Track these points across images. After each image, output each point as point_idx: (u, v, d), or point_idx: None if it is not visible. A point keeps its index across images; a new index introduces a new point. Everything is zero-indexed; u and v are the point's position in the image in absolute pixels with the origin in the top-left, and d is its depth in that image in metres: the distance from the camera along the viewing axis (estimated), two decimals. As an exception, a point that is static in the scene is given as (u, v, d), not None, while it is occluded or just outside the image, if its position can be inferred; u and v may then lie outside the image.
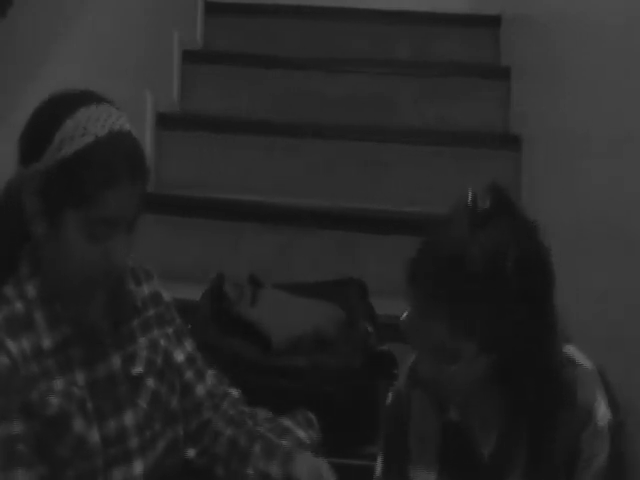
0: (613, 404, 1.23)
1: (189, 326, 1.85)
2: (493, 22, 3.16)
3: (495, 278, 1.08)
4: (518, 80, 2.77)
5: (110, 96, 1.29)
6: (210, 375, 1.43)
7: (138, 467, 1.26)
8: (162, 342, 1.35)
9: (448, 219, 1.15)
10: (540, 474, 1.22)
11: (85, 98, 1.19)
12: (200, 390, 1.39)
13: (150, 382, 1.30)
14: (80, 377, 1.22)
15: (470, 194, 1.13)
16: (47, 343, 1.19)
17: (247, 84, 2.99)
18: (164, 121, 2.76)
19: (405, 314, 1.19)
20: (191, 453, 1.38)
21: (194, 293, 1.94)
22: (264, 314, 1.87)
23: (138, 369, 1.29)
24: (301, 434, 1.41)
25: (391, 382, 1.93)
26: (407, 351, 1.88)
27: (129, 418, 1.26)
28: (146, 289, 1.36)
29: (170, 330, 1.38)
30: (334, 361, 1.81)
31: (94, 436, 1.21)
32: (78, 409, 1.20)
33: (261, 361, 1.80)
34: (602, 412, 1.20)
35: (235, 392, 1.46)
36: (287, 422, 1.43)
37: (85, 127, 1.14)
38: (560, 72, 2.06)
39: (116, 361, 1.27)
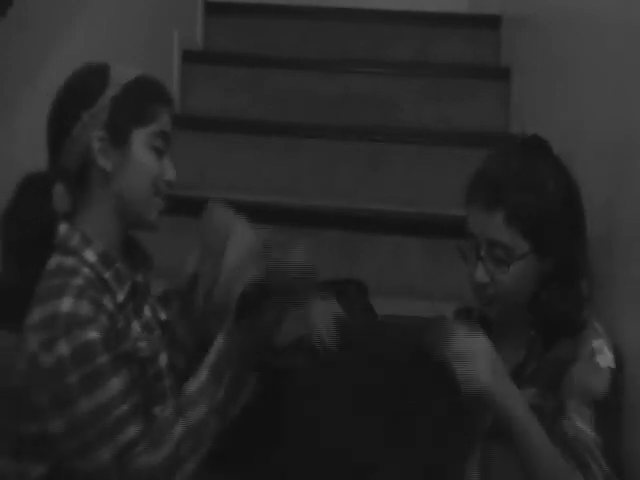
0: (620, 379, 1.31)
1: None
2: (493, 22, 3.16)
3: (544, 189, 1.31)
4: (518, 80, 2.76)
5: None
6: None
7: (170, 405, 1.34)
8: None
9: (503, 147, 1.42)
10: (530, 378, 1.34)
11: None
12: None
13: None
14: (136, 326, 1.36)
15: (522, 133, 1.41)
16: (121, 298, 1.34)
17: (247, 84, 2.99)
18: (164, 121, 2.75)
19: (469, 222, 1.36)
20: None
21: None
22: None
23: (164, 315, 1.48)
24: None
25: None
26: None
27: (163, 360, 1.40)
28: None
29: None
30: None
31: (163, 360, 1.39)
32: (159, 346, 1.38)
33: (260, 360, 1.79)
34: (605, 358, 1.29)
35: None
36: None
37: (129, 69, 1.39)
38: (560, 72, 2.06)
39: (147, 310, 1.43)
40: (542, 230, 1.30)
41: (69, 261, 1.30)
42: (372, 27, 3.23)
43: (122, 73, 1.37)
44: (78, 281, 1.27)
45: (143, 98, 1.36)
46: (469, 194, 1.37)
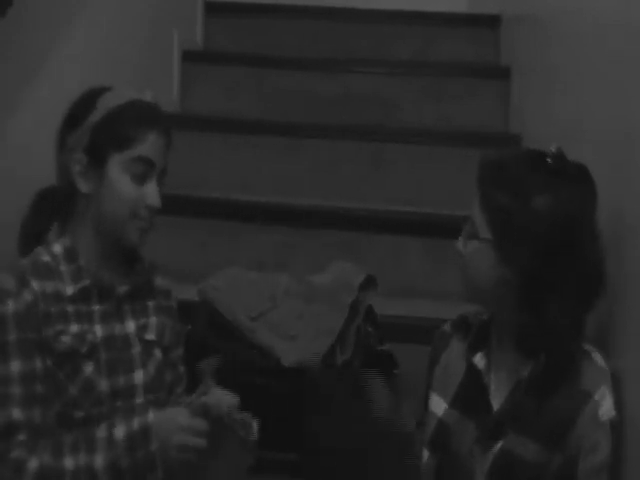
0: (619, 407, 1.28)
1: (189, 326, 1.86)
2: (493, 22, 3.16)
3: (527, 199, 1.29)
4: (518, 80, 2.76)
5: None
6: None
7: (137, 423, 1.36)
8: (167, 330, 1.52)
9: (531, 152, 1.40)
10: (530, 430, 1.31)
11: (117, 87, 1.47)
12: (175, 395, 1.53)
13: (158, 353, 1.48)
14: (98, 329, 1.40)
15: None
16: (69, 291, 1.39)
17: (247, 84, 2.99)
18: (164, 121, 2.75)
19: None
20: None
21: (194, 293, 1.94)
22: (265, 334, 1.84)
23: (151, 335, 1.47)
24: None
25: (391, 382, 1.94)
26: (407, 351, 1.89)
27: (139, 377, 1.43)
28: (159, 282, 1.56)
29: (173, 327, 1.54)
30: (337, 359, 1.81)
31: (102, 385, 1.38)
32: (90, 354, 1.38)
33: (261, 361, 1.79)
34: (606, 406, 1.27)
35: None
36: None
37: (122, 94, 1.43)
38: (560, 71, 2.06)
39: (130, 325, 1.46)
40: (505, 230, 1.30)
41: (39, 249, 1.42)
42: (372, 27, 3.23)
43: (112, 98, 1.41)
44: (24, 262, 1.38)
45: (123, 123, 1.39)
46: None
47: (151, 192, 1.41)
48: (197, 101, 3.00)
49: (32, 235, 1.45)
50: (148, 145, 1.40)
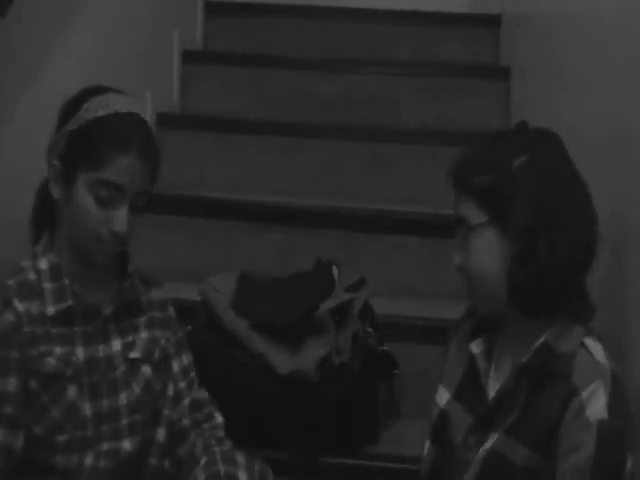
0: (620, 413, 1.21)
1: (189, 327, 1.86)
2: (493, 22, 3.15)
3: (500, 166, 1.29)
4: (518, 80, 2.76)
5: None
6: (199, 391, 1.52)
7: (127, 444, 1.39)
8: (162, 342, 1.47)
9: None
10: (519, 433, 1.27)
11: (112, 89, 1.41)
12: (186, 402, 1.49)
13: (146, 369, 1.43)
14: (80, 352, 1.35)
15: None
16: (51, 311, 1.33)
17: (247, 84, 2.99)
18: (164, 121, 2.75)
19: None
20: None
21: (194, 293, 1.94)
22: (262, 342, 1.84)
23: (135, 354, 1.42)
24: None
25: (391, 382, 1.95)
26: (407, 351, 1.89)
27: (123, 399, 1.39)
28: (155, 295, 1.49)
29: (172, 337, 1.49)
30: (334, 361, 1.81)
31: (86, 408, 1.34)
32: (74, 377, 1.33)
33: (257, 366, 1.79)
34: (597, 407, 1.20)
35: (219, 417, 1.52)
36: (239, 469, 1.38)
37: (107, 103, 1.34)
38: (560, 71, 2.06)
39: (116, 345, 1.40)
40: (495, 201, 1.27)
41: (25, 263, 1.38)
42: (372, 27, 3.23)
43: (95, 106, 1.33)
44: (10, 282, 1.34)
45: (95, 142, 1.31)
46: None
47: (118, 217, 1.31)
48: (197, 101, 3.00)
49: (41, 221, 1.40)
50: (118, 170, 1.30)
